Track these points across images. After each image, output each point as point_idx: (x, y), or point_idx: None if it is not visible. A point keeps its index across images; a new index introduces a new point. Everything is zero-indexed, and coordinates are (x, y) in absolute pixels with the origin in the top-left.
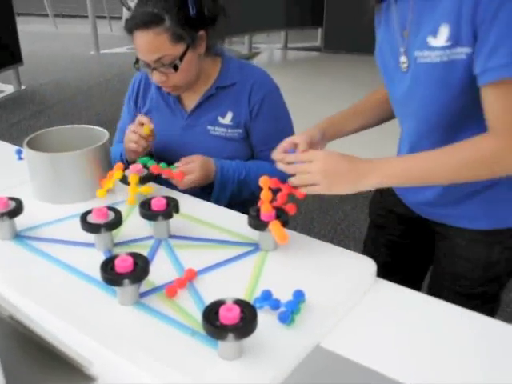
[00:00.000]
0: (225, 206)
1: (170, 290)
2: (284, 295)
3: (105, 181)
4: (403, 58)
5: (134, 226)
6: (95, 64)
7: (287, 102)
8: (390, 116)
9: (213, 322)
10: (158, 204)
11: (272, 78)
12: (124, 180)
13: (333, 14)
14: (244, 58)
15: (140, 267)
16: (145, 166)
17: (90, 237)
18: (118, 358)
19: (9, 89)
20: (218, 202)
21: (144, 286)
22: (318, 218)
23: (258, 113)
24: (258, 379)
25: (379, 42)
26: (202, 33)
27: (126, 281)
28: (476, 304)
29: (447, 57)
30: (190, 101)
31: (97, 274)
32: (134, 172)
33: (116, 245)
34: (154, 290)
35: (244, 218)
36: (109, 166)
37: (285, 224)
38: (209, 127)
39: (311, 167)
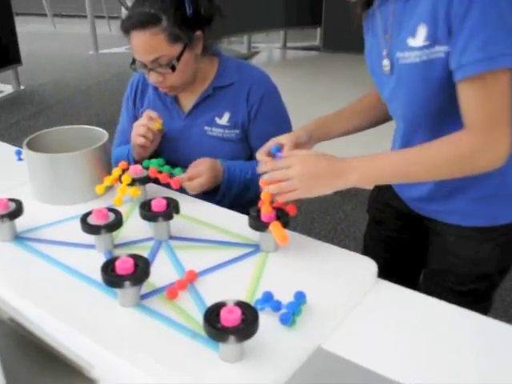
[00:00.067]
0: (227, 207)
1: (171, 291)
2: (285, 297)
3: (107, 178)
4: (385, 61)
5: (135, 227)
6: (94, 64)
7: (286, 101)
8: (380, 120)
9: (214, 324)
10: (158, 205)
11: (270, 77)
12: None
13: (332, 13)
14: (243, 58)
15: (141, 269)
16: (146, 169)
17: (90, 238)
18: (118, 360)
19: (8, 89)
20: (221, 201)
21: (145, 288)
22: (318, 218)
23: (257, 113)
24: (260, 381)
25: (367, 47)
26: (198, 33)
27: (127, 282)
28: (468, 301)
29: (426, 56)
30: (187, 101)
31: (97, 275)
32: (132, 173)
33: (116, 246)
34: (155, 291)
35: (244, 218)
36: (109, 166)
37: (285, 225)
38: (206, 128)
39: (289, 173)
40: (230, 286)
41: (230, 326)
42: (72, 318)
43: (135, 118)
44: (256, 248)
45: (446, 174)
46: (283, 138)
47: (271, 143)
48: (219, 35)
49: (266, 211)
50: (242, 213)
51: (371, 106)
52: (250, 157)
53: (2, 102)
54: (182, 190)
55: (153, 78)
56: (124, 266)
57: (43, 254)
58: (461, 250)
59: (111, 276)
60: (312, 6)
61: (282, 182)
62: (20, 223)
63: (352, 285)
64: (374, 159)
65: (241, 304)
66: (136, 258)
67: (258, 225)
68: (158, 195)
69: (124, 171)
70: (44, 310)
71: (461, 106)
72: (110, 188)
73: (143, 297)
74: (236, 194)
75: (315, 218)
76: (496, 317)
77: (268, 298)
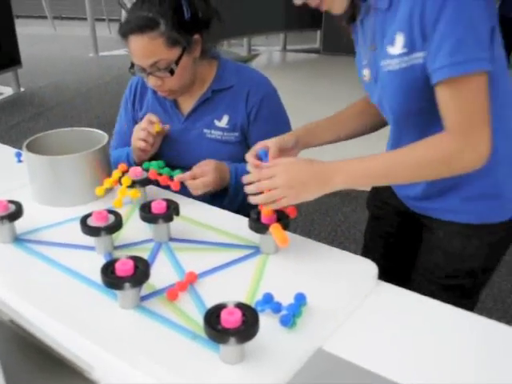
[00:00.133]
0: (235, 211)
1: (171, 293)
2: (285, 298)
3: (107, 180)
4: (365, 71)
5: (134, 229)
6: (94, 66)
7: (286, 103)
8: (369, 128)
9: (214, 325)
10: (158, 207)
11: (270, 80)
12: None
13: (332, 16)
14: (243, 60)
15: (140, 270)
16: (146, 171)
17: (90, 240)
18: (118, 362)
19: (8, 91)
20: (230, 205)
21: (145, 290)
22: (318, 219)
23: (257, 116)
24: (260, 383)
25: (357, 56)
26: (196, 36)
27: (127, 284)
28: (455, 296)
29: (405, 63)
30: (187, 104)
31: (97, 277)
32: (132, 175)
33: (116, 248)
34: (155, 293)
35: (245, 220)
36: (109, 168)
37: (285, 227)
38: (205, 130)
39: (275, 182)
40: (230, 288)
41: (230, 327)
42: (72, 319)
43: (134, 120)
44: (256, 250)
45: (428, 175)
46: (269, 142)
47: (258, 146)
48: (218, 38)
49: (266, 213)
50: (244, 214)
51: (360, 114)
52: None
53: (2, 104)
54: (182, 192)
55: (152, 82)
56: (124, 267)
57: (43, 256)
58: (449, 245)
59: (111, 278)
60: (312, 9)
61: (269, 191)
62: (20, 225)
63: (352, 287)
64: (359, 161)
65: (241, 306)
66: (136, 259)
67: (259, 227)
68: (157, 197)
69: (124, 173)
70: (44, 311)
71: (439, 108)
72: (109, 190)
73: (143, 298)
74: (244, 197)
75: (315, 220)
76: (496, 318)
77: (268, 299)
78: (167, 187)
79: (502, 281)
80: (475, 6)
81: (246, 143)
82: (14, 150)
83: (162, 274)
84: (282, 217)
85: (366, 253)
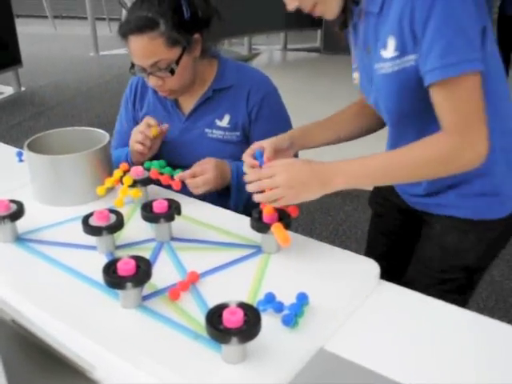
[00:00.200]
0: (242, 211)
1: (173, 292)
2: (287, 298)
3: (108, 179)
4: (355, 74)
5: (136, 228)
6: (95, 65)
7: (287, 102)
8: (364, 131)
9: (216, 325)
10: (159, 206)
11: (271, 79)
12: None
13: None
14: (244, 59)
15: (142, 270)
16: (148, 170)
17: (92, 239)
18: (120, 362)
19: (8, 90)
20: (236, 205)
21: (146, 289)
22: (319, 218)
23: (258, 115)
24: (262, 383)
25: (352, 59)
26: (197, 36)
27: (129, 284)
28: (449, 290)
29: (398, 66)
30: (188, 104)
31: (99, 277)
32: (133, 174)
33: (118, 247)
34: (157, 292)
35: (246, 220)
36: (110, 168)
37: (287, 226)
38: (206, 130)
39: (275, 182)
40: (231, 288)
41: (232, 327)
42: (74, 319)
43: (135, 120)
44: (258, 249)
45: (427, 175)
46: (265, 143)
47: (255, 146)
48: (218, 37)
49: (267, 212)
50: (246, 214)
51: (356, 116)
52: None
53: (3, 104)
54: (183, 192)
55: (152, 82)
56: (126, 267)
57: (45, 256)
58: (446, 239)
59: (113, 277)
60: None
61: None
62: (21, 224)
63: (354, 286)
64: (358, 162)
65: (243, 305)
66: (138, 259)
67: (260, 226)
68: (159, 197)
69: (125, 173)
70: (46, 311)
71: (435, 109)
72: (111, 189)
73: (145, 298)
74: (249, 196)
75: (316, 219)
76: (498, 318)
77: (270, 299)
78: (169, 187)
79: (504, 280)
80: (464, 7)
81: (247, 143)
82: (15, 150)
83: (163, 274)
84: (283, 216)
85: (369, 250)
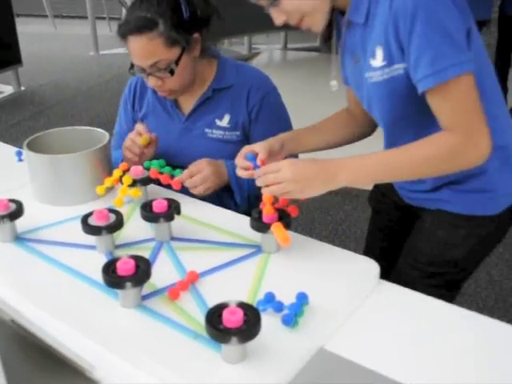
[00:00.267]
0: (247, 207)
1: (173, 292)
2: (287, 298)
3: (108, 179)
4: (333, 82)
5: (136, 228)
6: (95, 65)
7: (287, 102)
8: (354, 137)
9: (216, 325)
10: (159, 206)
11: (271, 78)
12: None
13: None
14: (244, 59)
15: (142, 270)
16: (148, 170)
17: (91, 239)
18: (120, 361)
19: (8, 89)
20: (242, 200)
21: (146, 289)
22: (319, 218)
23: (258, 114)
24: (262, 382)
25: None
26: (196, 35)
27: (128, 283)
28: (436, 285)
29: (387, 75)
30: (187, 104)
31: (98, 276)
32: (133, 174)
33: (117, 247)
34: (156, 292)
35: (246, 219)
36: (109, 167)
37: (287, 226)
38: (206, 130)
39: (280, 176)
40: (231, 287)
41: (232, 327)
42: (73, 318)
43: (134, 120)
44: (257, 249)
45: (431, 173)
46: (257, 146)
47: (246, 150)
48: (217, 36)
49: (267, 212)
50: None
51: (345, 124)
52: None
53: (3, 103)
54: (183, 191)
55: (152, 82)
56: (125, 266)
57: (44, 255)
58: (436, 232)
59: (112, 277)
60: None
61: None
62: (20, 224)
63: (354, 286)
64: (362, 159)
65: (243, 305)
66: (137, 258)
67: (260, 226)
68: (159, 196)
69: (125, 172)
70: (45, 310)
71: (434, 112)
72: (110, 189)
73: (144, 298)
74: (251, 190)
75: (316, 219)
76: (497, 317)
77: (270, 298)
78: (168, 186)
79: (504, 279)
80: (446, 11)
81: (247, 142)
82: (15, 149)
83: (163, 274)
84: (283, 216)
85: (368, 247)
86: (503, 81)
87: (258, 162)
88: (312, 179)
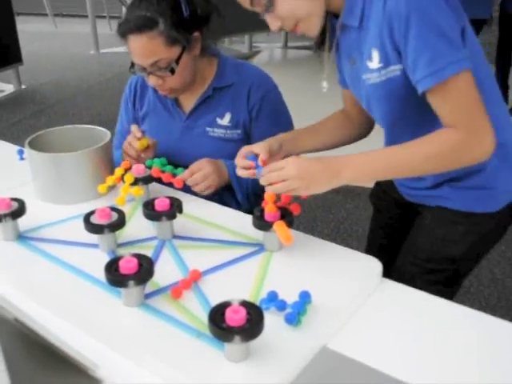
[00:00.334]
0: (248, 205)
1: (175, 291)
2: (290, 296)
3: (110, 177)
4: (324, 83)
5: (138, 226)
6: (95, 63)
7: (287, 100)
8: (352, 139)
9: (219, 324)
10: (161, 204)
11: (271, 77)
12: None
13: None
14: (244, 57)
15: (144, 268)
16: (149, 168)
17: (94, 237)
18: (123, 360)
19: (9, 88)
20: (243, 198)
21: (149, 287)
22: (320, 216)
23: (259, 113)
24: (265, 381)
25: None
26: (196, 34)
27: (131, 282)
28: (436, 281)
29: (384, 76)
30: (188, 102)
31: (101, 275)
32: (135, 172)
33: (119, 245)
34: (159, 291)
35: (248, 218)
36: (111, 166)
37: (289, 224)
38: (207, 129)
39: (285, 174)
40: (234, 286)
41: (235, 325)
42: (76, 317)
43: (135, 119)
44: (260, 247)
45: (432, 170)
46: (257, 147)
47: (245, 150)
48: (218, 35)
49: (270, 211)
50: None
51: (341, 126)
52: None
53: (4, 102)
54: (185, 190)
55: (152, 81)
56: (128, 265)
57: (46, 254)
58: (435, 229)
59: (115, 275)
60: None
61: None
62: (23, 223)
63: (357, 284)
64: (366, 156)
65: (246, 304)
66: (140, 257)
67: (262, 224)
68: (161, 194)
69: (127, 170)
70: (48, 309)
71: (435, 111)
72: (112, 187)
73: (147, 296)
74: (252, 188)
75: (318, 217)
76: (500, 316)
77: (273, 297)
78: (170, 184)
79: (506, 278)
80: (439, 11)
81: (248, 141)
82: (16, 148)
83: (165, 272)
84: (285, 214)
85: (369, 244)
86: (504, 79)
87: (260, 163)
88: (316, 176)
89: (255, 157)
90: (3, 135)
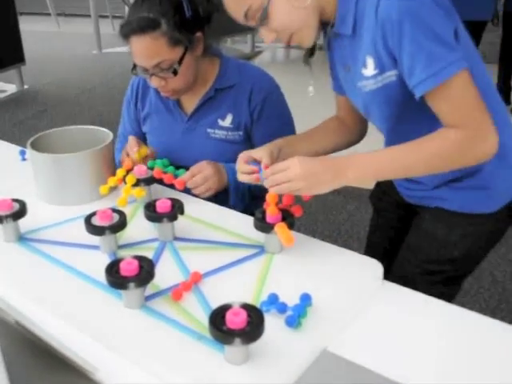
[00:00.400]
0: (242, 210)
1: (176, 293)
2: (291, 299)
3: (111, 178)
4: (311, 88)
5: (139, 228)
6: (98, 63)
7: (289, 100)
8: (344, 145)
9: (219, 326)
10: (162, 206)
11: (274, 77)
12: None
13: None
14: (246, 57)
15: (145, 270)
16: (151, 169)
17: (95, 239)
18: (123, 362)
19: (11, 88)
20: (235, 204)
21: (149, 289)
22: (321, 218)
23: (260, 114)
24: None
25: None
26: (198, 34)
27: (132, 284)
28: (435, 281)
29: (380, 82)
30: (190, 104)
31: (102, 276)
32: (137, 173)
33: (120, 247)
34: (160, 293)
35: (249, 220)
36: (113, 167)
37: (291, 226)
38: (209, 130)
39: (289, 174)
40: (234, 288)
41: (235, 328)
42: (76, 319)
43: (137, 120)
44: (261, 249)
45: (437, 168)
46: (258, 152)
47: (244, 156)
48: (220, 35)
49: (271, 212)
50: (248, 213)
51: (335, 132)
52: None
53: (6, 102)
54: (186, 191)
55: (155, 83)
56: (129, 267)
57: (47, 255)
58: (434, 230)
59: (116, 277)
60: None
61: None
62: (24, 224)
63: (358, 287)
64: (369, 156)
65: (246, 306)
66: (141, 259)
67: (263, 226)
68: (162, 196)
69: (128, 172)
70: (48, 311)
71: (435, 113)
72: (114, 188)
73: (148, 298)
74: (254, 191)
75: (318, 219)
76: (500, 318)
77: (273, 299)
78: (172, 186)
79: (506, 280)
80: (431, 14)
81: (249, 142)
82: (18, 148)
83: (166, 274)
84: (287, 216)
85: (369, 246)
86: (507, 79)
87: (263, 167)
88: (321, 176)
89: (257, 162)
90: (5, 135)
